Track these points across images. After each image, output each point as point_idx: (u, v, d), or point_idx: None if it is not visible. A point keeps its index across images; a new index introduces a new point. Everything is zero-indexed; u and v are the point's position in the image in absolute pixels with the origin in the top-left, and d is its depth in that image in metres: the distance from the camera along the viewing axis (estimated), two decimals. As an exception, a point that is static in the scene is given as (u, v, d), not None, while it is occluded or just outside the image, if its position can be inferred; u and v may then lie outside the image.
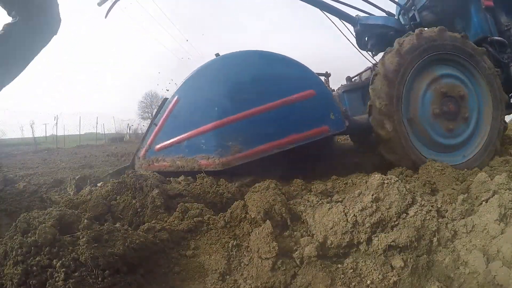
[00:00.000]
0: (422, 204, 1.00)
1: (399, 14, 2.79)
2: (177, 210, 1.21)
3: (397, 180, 1.04)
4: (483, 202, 1.01)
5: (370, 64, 2.83)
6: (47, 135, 17.02)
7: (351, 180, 1.44)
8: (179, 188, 1.51)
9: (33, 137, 13.65)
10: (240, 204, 1.16)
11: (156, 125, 1.86)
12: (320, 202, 1.12)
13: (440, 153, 1.92)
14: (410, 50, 1.82)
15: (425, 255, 0.91)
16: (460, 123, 1.94)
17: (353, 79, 2.79)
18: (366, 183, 1.11)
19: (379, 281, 0.86)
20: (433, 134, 1.89)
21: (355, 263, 0.92)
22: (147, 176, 1.56)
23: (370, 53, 2.85)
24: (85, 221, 0.96)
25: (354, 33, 2.66)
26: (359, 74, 2.85)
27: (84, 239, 0.82)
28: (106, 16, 2.30)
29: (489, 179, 1.09)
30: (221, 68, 1.84)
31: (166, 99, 1.91)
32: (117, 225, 1.15)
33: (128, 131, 24.61)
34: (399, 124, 1.79)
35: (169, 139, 1.82)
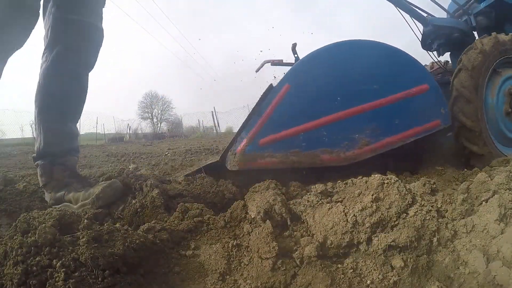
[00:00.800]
0: (422, 204, 1.00)
1: (453, 13, 2.86)
2: (177, 210, 1.21)
3: (397, 180, 1.05)
4: (483, 202, 1.01)
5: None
6: (47, 135, 16.98)
7: (351, 180, 1.43)
8: (179, 188, 1.51)
9: (33, 137, 13.63)
10: (240, 204, 1.16)
11: (260, 116, 1.62)
12: (320, 202, 1.12)
13: (502, 144, 2.02)
14: (491, 49, 1.98)
15: (425, 255, 0.91)
16: None
17: None
18: (366, 183, 1.11)
19: (379, 281, 0.86)
20: (497, 115, 2.00)
21: (355, 263, 0.92)
22: (147, 176, 1.56)
23: (435, 52, 2.92)
24: (85, 221, 0.96)
25: (421, 33, 2.73)
26: None
27: (84, 239, 0.82)
28: None
29: (489, 179, 1.09)
30: (343, 57, 1.73)
31: (271, 86, 1.71)
32: (117, 225, 1.15)
33: (128, 131, 24.66)
34: (480, 113, 1.89)
35: (279, 132, 1.59)
